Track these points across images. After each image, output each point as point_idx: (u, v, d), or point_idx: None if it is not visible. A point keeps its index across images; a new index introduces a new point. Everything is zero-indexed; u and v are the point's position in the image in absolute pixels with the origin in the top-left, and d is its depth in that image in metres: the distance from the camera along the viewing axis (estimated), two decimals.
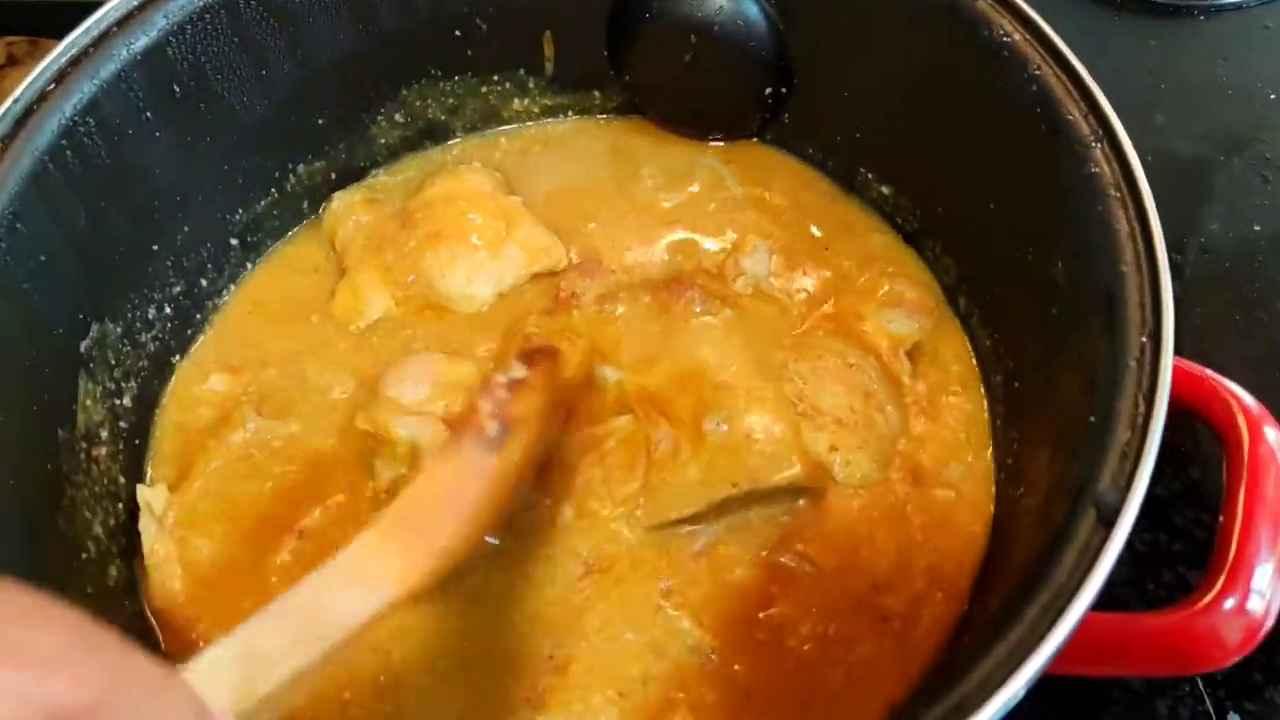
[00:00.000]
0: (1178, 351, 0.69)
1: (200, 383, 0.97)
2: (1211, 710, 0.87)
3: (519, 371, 0.77)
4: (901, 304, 0.93)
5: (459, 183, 1.02)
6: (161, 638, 0.84)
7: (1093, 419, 0.69)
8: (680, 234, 1.02)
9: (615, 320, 0.94)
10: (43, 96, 0.82)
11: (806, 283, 0.97)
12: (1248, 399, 0.77)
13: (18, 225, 0.80)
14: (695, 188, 1.05)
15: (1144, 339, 0.69)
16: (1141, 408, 0.67)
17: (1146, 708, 0.87)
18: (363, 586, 0.62)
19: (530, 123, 1.12)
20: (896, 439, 0.88)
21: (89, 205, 0.86)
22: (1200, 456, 0.97)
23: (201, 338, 1.00)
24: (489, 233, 0.98)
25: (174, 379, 0.98)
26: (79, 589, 0.80)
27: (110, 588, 0.83)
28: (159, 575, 0.86)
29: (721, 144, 1.07)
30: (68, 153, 0.83)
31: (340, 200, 1.05)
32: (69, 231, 0.85)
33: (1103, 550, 0.62)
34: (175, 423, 0.95)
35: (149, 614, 0.85)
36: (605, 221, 1.03)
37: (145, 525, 0.88)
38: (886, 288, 0.94)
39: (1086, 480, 0.66)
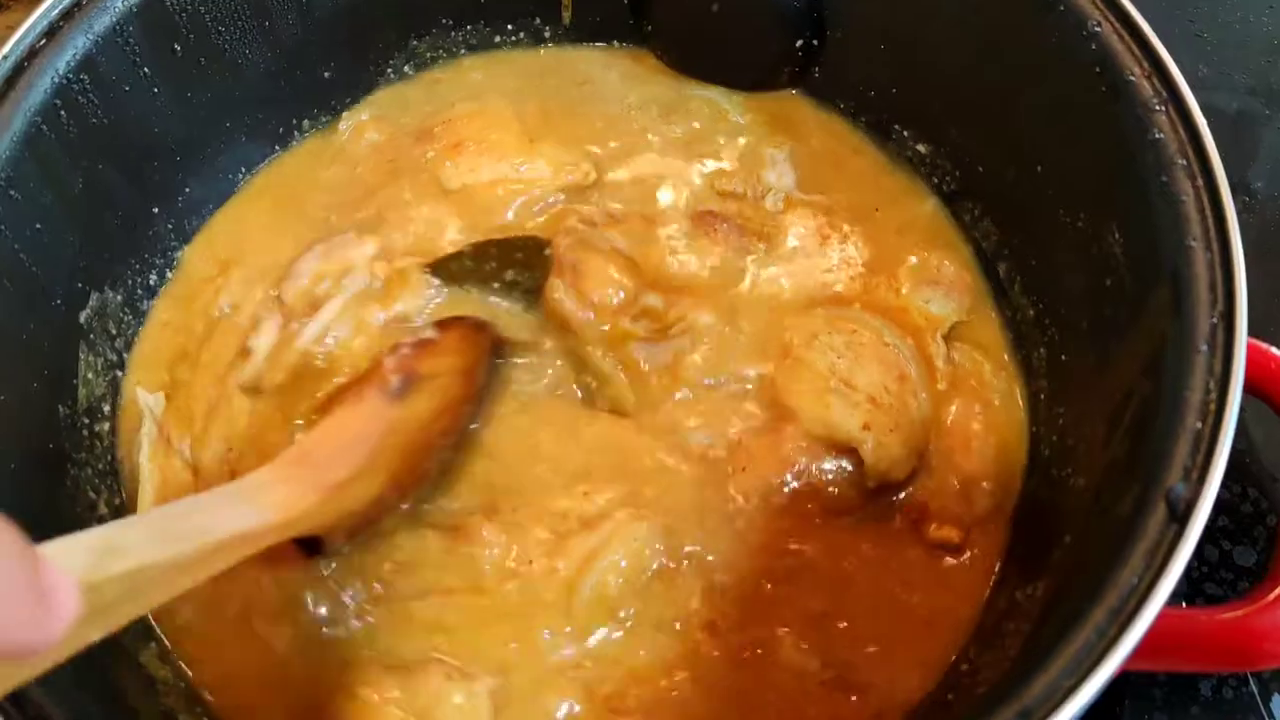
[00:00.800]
0: None
1: None
2: (1256, 692, 0.85)
3: (428, 332, 0.82)
4: (940, 282, 0.89)
5: (481, 104, 1.00)
6: None
7: (1160, 406, 0.65)
8: (707, 164, 0.97)
9: (656, 243, 0.92)
10: (33, 53, 0.77)
11: (843, 245, 0.92)
12: None
13: (11, 192, 0.75)
14: (719, 136, 1.00)
15: (1214, 320, 0.65)
16: (1214, 395, 0.63)
17: (1189, 688, 0.85)
18: (242, 506, 0.64)
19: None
20: (928, 426, 0.83)
21: (85, 168, 0.81)
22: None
23: None
24: (513, 144, 0.96)
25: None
26: None
27: None
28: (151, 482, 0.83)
29: (750, 96, 1.01)
30: (62, 113, 0.78)
31: (348, 120, 1.01)
32: (65, 196, 0.80)
33: (1175, 549, 0.59)
34: None
35: None
36: (628, 151, 0.99)
37: (146, 430, 0.84)
38: (925, 259, 0.90)
39: (1154, 471, 0.62)
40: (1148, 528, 0.60)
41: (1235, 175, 1.05)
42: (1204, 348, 0.64)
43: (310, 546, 0.75)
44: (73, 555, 0.50)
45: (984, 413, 0.85)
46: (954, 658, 0.77)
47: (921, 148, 0.95)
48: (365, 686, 0.73)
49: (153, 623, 0.78)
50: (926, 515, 0.82)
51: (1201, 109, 0.72)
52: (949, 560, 0.81)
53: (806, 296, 0.90)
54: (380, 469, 0.74)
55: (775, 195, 0.94)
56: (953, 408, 0.85)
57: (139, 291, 0.89)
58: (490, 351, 0.85)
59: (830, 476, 0.81)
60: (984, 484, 0.83)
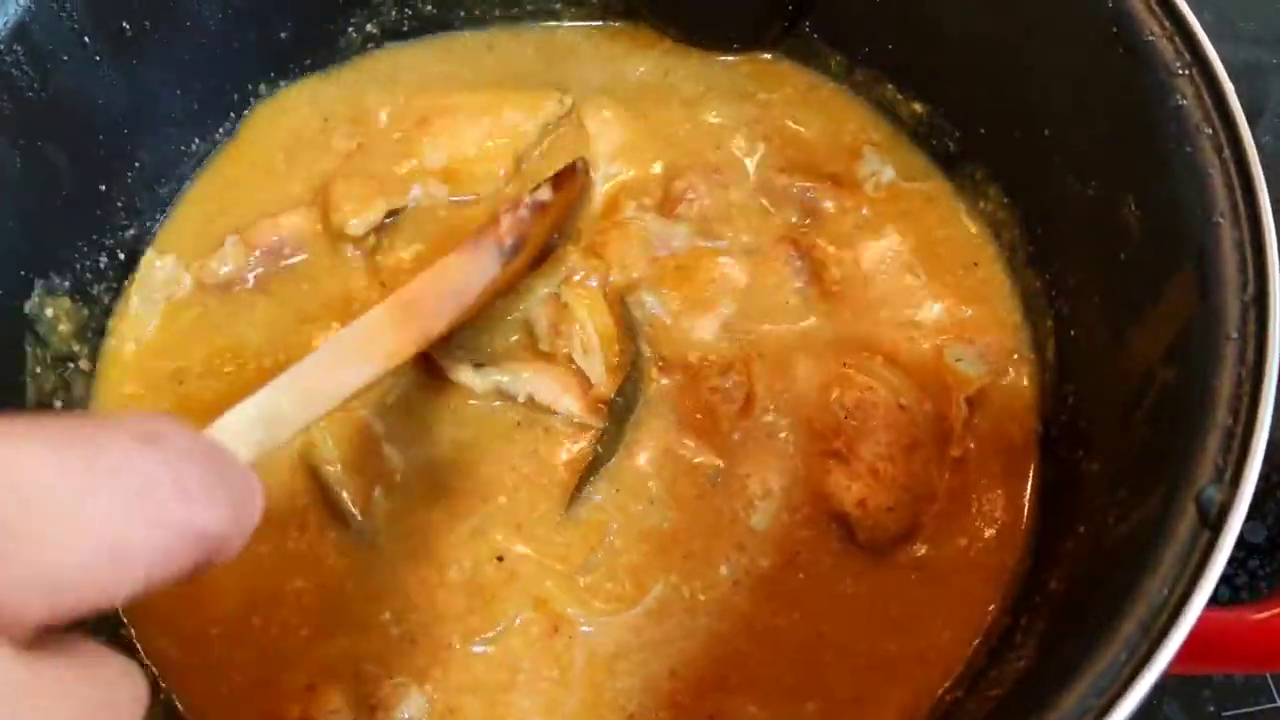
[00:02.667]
0: None
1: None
2: (1268, 674, 0.82)
3: (545, 194, 0.81)
4: (975, 341, 0.83)
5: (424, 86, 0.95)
6: None
7: (1186, 397, 0.61)
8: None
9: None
10: None
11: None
12: None
13: None
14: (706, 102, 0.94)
15: (1245, 303, 0.61)
16: (1246, 387, 0.59)
17: None
18: (361, 360, 0.68)
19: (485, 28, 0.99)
20: (931, 502, 0.77)
21: (23, 147, 0.75)
22: None
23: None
24: (477, 104, 0.91)
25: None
26: None
27: None
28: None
29: (734, 58, 0.96)
30: None
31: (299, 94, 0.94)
32: (2, 179, 0.74)
33: (1210, 557, 0.55)
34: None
35: None
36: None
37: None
38: (958, 312, 0.84)
39: (1182, 471, 0.58)
40: (1177, 533, 0.57)
41: None
42: (1234, 335, 0.60)
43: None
44: (240, 435, 0.57)
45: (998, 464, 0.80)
46: (968, 654, 0.73)
47: (918, 107, 0.90)
48: None
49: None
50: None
51: None
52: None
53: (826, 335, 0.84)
54: (465, 317, 0.77)
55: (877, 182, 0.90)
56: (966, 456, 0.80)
57: (88, 276, 0.83)
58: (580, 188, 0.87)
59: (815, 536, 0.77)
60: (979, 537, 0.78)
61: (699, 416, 0.80)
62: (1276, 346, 0.59)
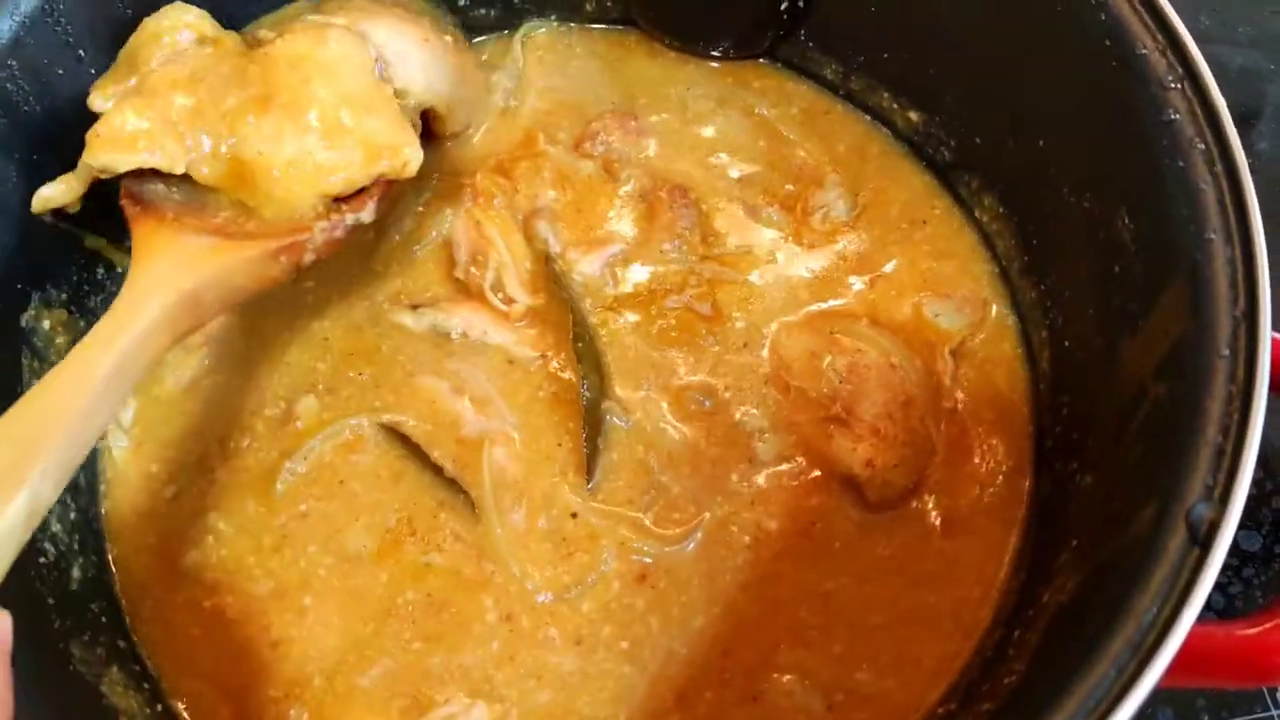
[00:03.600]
0: None
1: None
2: None
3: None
4: (951, 295, 0.85)
5: (318, 45, 0.76)
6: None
7: (1177, 413, 0.61)
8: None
9: None
10: None
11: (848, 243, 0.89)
12: None
13: None
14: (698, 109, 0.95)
15: (1236, 318, 0.61)
16: (1237, 404, 0.59)
17: None
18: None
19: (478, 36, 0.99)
20: (934, 447, 0.80)
21: (21, 161, 0.75)
22: None
23: None
24: (331, 115, 0.75)
25: None
26: (39, 598, 0.71)
27: (73, 591, 0.75)
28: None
29: (725, 64, 0.96)
30: None
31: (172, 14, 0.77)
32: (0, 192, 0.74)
33: (1198, 576, 0.55)
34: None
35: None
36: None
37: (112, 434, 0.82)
38: (935, 269, 0.86)
39: (1172, 488, 0.59)
40: (1168, 551, 0.57)
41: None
42: (1225, 352, 0.61)
43: None
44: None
45: (992, 415, 0.82)
46: (961, 666, 0.74)
47: (914, 115, 0.90)
48: None
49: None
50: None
51: None
52: (955, 552, 0.78)
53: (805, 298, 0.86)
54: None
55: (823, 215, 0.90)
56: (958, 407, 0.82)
57: (84, 289, 0.83)
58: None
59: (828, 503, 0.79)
60: (989, 484, 0.80)
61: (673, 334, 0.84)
62: (1266, 364, 0.59)
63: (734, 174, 0.91)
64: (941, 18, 0.83)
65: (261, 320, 0.86)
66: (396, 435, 0.81)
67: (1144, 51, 0.69)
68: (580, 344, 0.82)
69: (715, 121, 0.94)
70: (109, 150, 0.72)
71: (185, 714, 0.75)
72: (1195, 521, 0.57)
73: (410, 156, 0.77)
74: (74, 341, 0.80)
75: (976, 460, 0.81)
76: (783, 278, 0.86)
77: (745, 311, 0.85)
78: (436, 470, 0.79)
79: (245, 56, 0.77)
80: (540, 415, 0.82)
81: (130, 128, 0.72)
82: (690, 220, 0.87)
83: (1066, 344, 0.79)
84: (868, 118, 0.94)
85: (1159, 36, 0.69)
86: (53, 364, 0.79)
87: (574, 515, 0.79)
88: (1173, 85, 0.67)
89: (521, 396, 0.82)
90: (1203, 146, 0.66)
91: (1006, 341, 0.84)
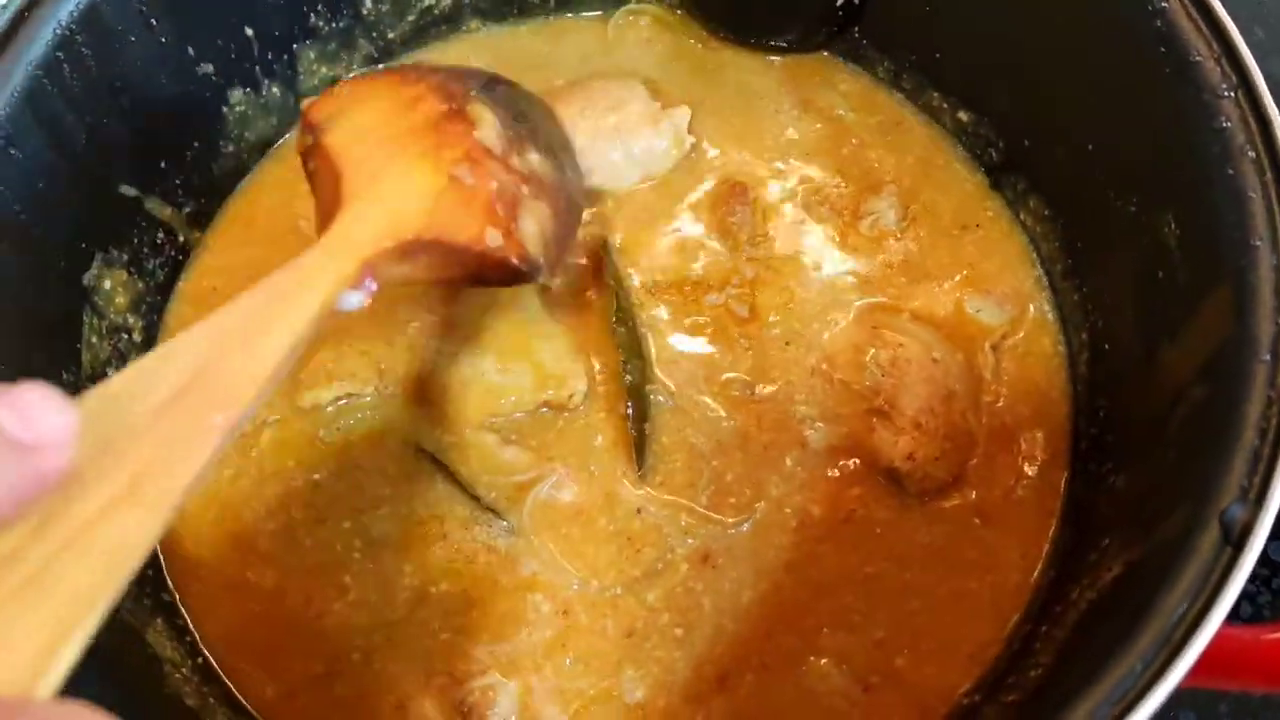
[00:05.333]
0: None
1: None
2: None
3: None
4: (993, 291, 0.86)
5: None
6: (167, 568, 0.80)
7: (1215, 417, 0.62)
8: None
9: None
10: (33, 3, 0.72)
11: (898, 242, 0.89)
12: None
13: (12, 150, 0.72)
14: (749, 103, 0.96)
15: (1279, 324, 0.62)
16: (1275, 408, 0.60)
17: None
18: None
19: (554, 16, 1.01)
20: (976, 441, 0.81)
21: (89, 123, 0.77)
22: None
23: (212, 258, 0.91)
24: (507, 343, 0.83)
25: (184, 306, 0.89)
26: None
27: None
28: None
29: (780, 58, 0.97)
30: (64, 66, 0.74)
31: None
32: (68, 153, 0.76)
33: (1230, 575, 0.56)
34: None
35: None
36: None
37: None
38: (979, 267, 0.87)
39: (1208, 489, 0.59)
40: (1200, 550, 0.58)
41: None
42: (1266, 357, 0.61)
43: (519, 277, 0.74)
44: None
45: (1030, 411, 0.83)
46: (995, 655, 0.74)
47: (964, 116, 0.91)
48: None
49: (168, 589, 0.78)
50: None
51: None
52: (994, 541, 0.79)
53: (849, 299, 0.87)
54: (386, 164, 0.70)
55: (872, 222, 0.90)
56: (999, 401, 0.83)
57: (145, 251, 0.85)
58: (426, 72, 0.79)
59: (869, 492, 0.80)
60: (1026, 476, 0.81)
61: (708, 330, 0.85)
62: None
63: (794, 176, 0.91)
64: (994, 19, 0.84)
65: None
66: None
67: (1199, 59, 0.69)
68: (622, 328, 0.83)
69: (786, 121, 0.94)
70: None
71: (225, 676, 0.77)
72: (1229, 522, 0.57)
73: (576, 389, 0.81)
74: (134, 302, 0.83)
75: (1015, 453, 0.81)
76: (826, 281, 0.87)
77: (784, 315, 0.85)
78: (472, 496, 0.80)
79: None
80: (590, 431, 0.83)
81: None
82: (743, 218, 0.88)
83: (1106, 347, 0.80)
84: (938, 129, 0.94)
85: (1214, 45, 0.69)
86: (112, 323, 0.82)
87: (639, 511, 0.80)
88: (1226, 94, 0.68)
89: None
90: (1253, 155, 0.66)
91: (1047, 337, 0.85)
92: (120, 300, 0.83)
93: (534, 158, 0.78)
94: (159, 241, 0.86)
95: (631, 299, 0.85)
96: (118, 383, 0.47)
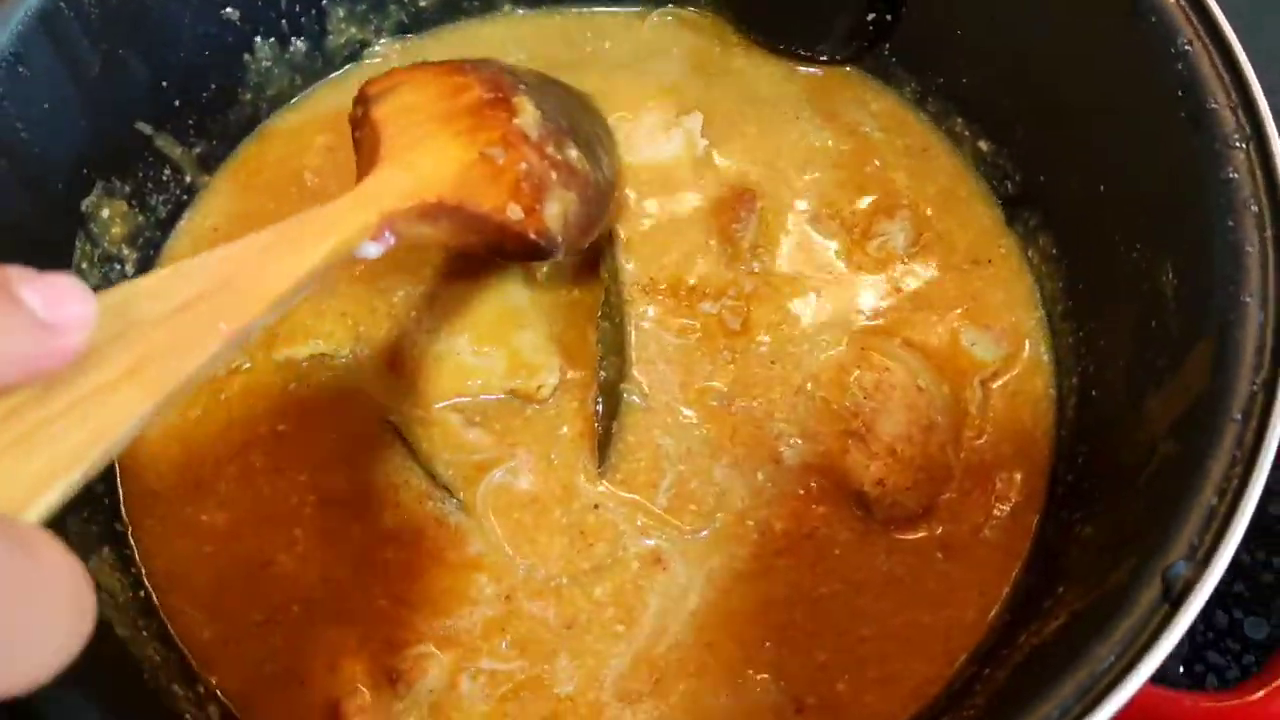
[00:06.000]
0: None
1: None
2: None
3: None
4: (992, 326, 0.84)
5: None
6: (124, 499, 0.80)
7: (1180, 471, 0.60)
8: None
9: None
10: None
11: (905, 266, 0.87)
12: None
13: (20, 68, 0.73)
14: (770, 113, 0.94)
15: (1255, 388, 0.60)
16: (1238, 470, 0.58)
17: None
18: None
19: (591, 7, 1.01)
20: (949, 481, 0.78)
21: (105, 52, 0.78)
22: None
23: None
24: (487, 324, 0.84)
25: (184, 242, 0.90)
26: None
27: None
28: None
29: (809, 68, 0.95)
30: None
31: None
32: (80, 79, 0.77)
33: (1162, 632, 0.54)
34: None
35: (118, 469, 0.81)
36: None
37: None
38: (976, 300, 0.85)
39: (1157, 543, 0.57)
40: (1138, 603, 0.56)
41: None
42: (1238, 416, 0.59)
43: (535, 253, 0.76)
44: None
45: (1011, 451, 0.81)
46: (937, 692, 0.72)
47: (984, 145, 0.89)
48: None
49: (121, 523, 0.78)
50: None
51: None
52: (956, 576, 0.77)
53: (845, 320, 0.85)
54: (426, 138, 0.73)
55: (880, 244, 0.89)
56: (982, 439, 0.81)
57: (149, 186, 0.86)
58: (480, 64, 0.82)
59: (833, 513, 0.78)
60: (996, 516, 0.78)
61: (695, 337, 0.84)
62: (1276, 435, 0.57)
63: (807, 188, 0.90)
64: (1021, 47, 0.82)
65: None
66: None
67: (1214, 106, 0.67)
68: (606, 323, 0.82)
69: (807, 131, 0.93)
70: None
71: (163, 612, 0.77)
72: (1171, 579, 0.55)
73: (546, 382, 0.81)
74: (131, 234, 0.84)
75: (989, 492, 0.79)
76: (823, 300, 0.85)
77: (775, 335, 0.84)
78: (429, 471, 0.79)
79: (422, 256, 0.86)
80: (558, 422, 0.82)
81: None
82: (748, 226, 0.87)
83: (1094, 393, 0.78)
84: (963, 159, 0.92)
85: (1233, 94, 0.67)
86: (106, 251, 0.82)
87: (595, 506, 0.79)
88: (1237, 144, 0.66)
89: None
90: (1256, 209, 0.64)
91: (1040, 378, 0.83)
92: (117, 230, 0.83)
93: (572, 153, 0.80)
94: (164, 178, 0.87)
95: (623, 295, 0.84)
96: (139, 284, 0.51)
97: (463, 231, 0.73)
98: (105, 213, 0.82)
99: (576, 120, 0.84)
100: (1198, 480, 0.58)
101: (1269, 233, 0.63)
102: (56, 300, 0.42)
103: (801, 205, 0.89)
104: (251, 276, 0.55)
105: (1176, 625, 0.54)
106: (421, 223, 0.70)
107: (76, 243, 0.80)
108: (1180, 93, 0.69)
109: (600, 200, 0.82)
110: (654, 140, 0.90)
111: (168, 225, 0.88)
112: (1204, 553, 0.56)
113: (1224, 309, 0.62)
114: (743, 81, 0.95)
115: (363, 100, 0.75)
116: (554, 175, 0.77)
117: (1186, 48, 0.69)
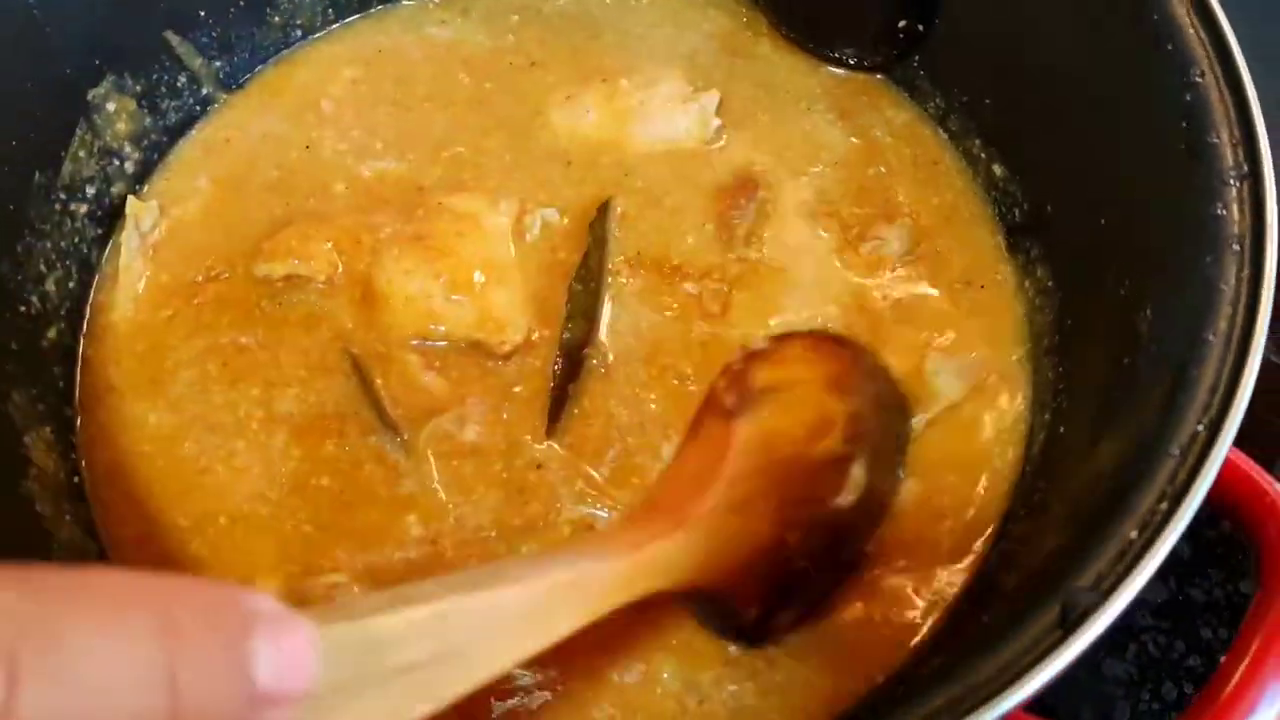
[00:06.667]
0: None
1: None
2: None
3: (759, 344, 0.72)
4: (958, 356, 0.80)
5: (491, 211, 0.84)
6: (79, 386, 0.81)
7: (1109, 505, 0.57)
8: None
9: None
10: None
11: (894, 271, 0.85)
12: None
13: None
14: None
15: (1200, 428, 0.57)
16: (1163, 508, 0.55)
17: None
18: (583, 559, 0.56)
19: None
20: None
21: None
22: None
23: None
24: (465, 272, 0.81)
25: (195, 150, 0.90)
26: (3, 344, 0.75)
27: (42, 349, 0.78)
28: (122, 293, 0.83)
29: (838, 70, 0.93)
30: None
31: None
32: None
33: (1047, 656, 0.51)
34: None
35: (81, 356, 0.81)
36: None
37: (128, 236, 0.84)
38: (957, 326, 0.82)
39: (1065, 569, 0.54)
40: (1033, 624, 0.53)
41: None
42: (1175, 452, 0.56)
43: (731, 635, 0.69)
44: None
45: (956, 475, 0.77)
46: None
47: (997, 169, 0.86)
48: None
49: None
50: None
51: None
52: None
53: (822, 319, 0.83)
54: (751, 497, 0.64)
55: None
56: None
57: (162, 90, 0.87)
58: (872, 375, 0.75)
59: None
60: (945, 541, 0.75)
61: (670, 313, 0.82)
62: (1208, 479, 0.54)
63: (810, 182, 0.88)
64: (1044, 70, 0.79)
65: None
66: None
67: (1215, 141, 0.64)
68: (580, 286, 0.81)
69: (820, 125, 0.91)
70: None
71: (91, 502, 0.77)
72: (1070, 606, 0.52)
73: (511, 340, 0.80)
74: (136, 133, 0.85)
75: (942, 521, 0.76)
76: (807, 295, 0.83)
77: (749, 325, 0.82)
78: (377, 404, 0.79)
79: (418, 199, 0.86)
80: (516, 379, 0.81)
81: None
82: (745, 214, 0.85)
83: (1062, 430, 0.75)
84: (973, 181, 0.89)
85: (1236, 131, 0.64)
86: (106, 145, 0.84)
87: (538, 466, 0.77)
88: (1232, 181, 0.63)
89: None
90: (1238, 249, 0.61)
91: (1009, 417, 0.79)
92: (121, 127, 0.84)
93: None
94: (179, 86, 0.88)
95: (605, 263, 0.83)
96: (375, 623, 0.42)
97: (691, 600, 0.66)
98: (111, 106, 0.83)
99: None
100: (1120, 512, 0.55)
101: (1246, 272, 0.60)
102: (291, 668, 0.33)
103: (802, 198, 0.87)
104: (470, 653, 0.46)
105: (1063, 653, 0.51)
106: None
107: (77, 131, 0.82)
108: (1184, 123, 0.66)
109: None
110: (667, 112, 0.89)
111: (176, 132, 0.89)
112: (1109, 585, 0.53)
113: (1186, 347, 0.60)
114: (766, 69, 0.93)
115: (735, 383, 0.67)
116: (814, 575, 0.69)
117: (1198, 79, 0.66)
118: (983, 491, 0.76)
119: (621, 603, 0.57)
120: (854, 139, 0.90)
